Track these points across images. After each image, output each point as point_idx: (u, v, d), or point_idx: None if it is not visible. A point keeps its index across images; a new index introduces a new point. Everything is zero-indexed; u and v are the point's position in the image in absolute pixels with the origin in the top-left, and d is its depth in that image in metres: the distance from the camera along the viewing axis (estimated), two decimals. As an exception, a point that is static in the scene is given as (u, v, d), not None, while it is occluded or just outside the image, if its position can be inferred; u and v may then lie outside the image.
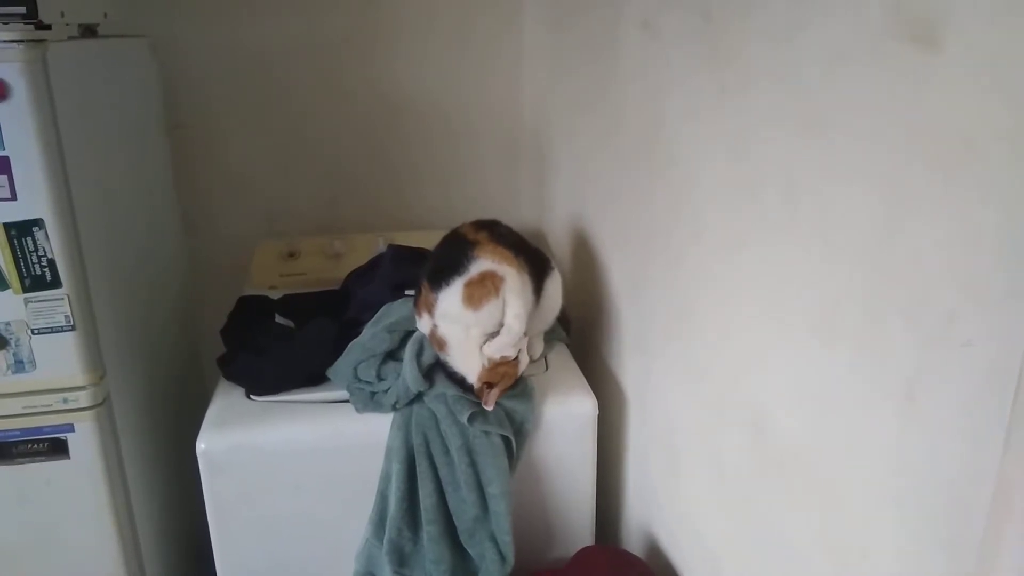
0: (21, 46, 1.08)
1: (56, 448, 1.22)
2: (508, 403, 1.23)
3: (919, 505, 0.64)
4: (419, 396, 1.23)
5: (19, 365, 1.18)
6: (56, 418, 1.21)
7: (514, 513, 1.21)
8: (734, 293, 0.94)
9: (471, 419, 1.20)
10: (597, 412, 1.29)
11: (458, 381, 1.23)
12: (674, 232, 1.11)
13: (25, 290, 1.15)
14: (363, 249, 1.74)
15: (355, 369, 1.27)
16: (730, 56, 0.90)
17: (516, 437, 1.23)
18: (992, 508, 0.55)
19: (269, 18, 1.83)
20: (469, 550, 1.23)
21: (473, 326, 1.19)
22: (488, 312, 1.18)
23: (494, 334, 1.20)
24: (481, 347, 1.20)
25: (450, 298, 1.20)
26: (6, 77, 1.07)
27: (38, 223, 1.13)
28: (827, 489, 0.77)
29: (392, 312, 1.34)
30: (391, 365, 1.27)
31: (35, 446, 1.21)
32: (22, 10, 1.14)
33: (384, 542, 1.21)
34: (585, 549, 1.25)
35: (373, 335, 1.29)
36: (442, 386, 1.22)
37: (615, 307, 1.42)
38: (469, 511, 1.21)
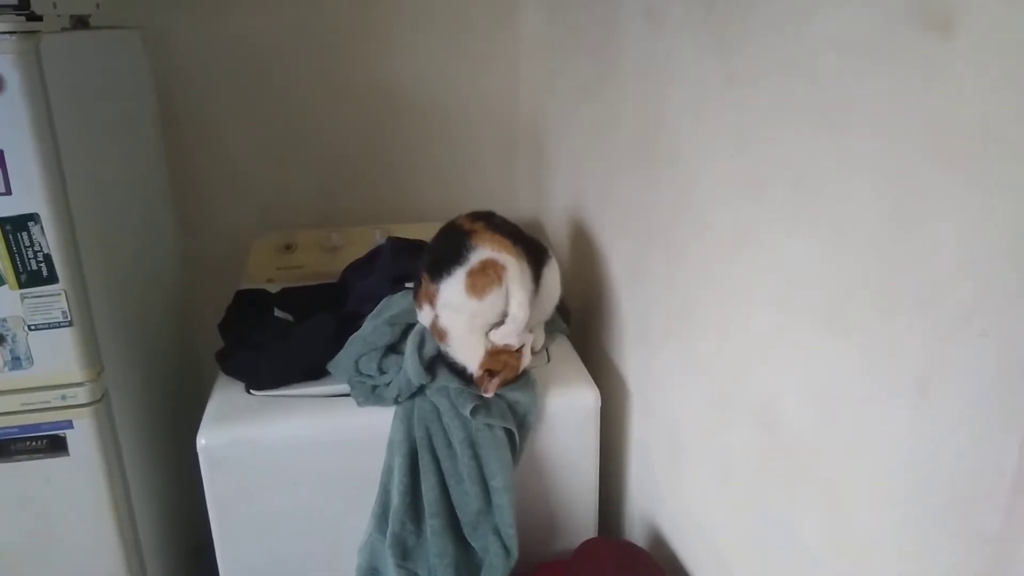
0: (14, 37, 1.06)
1: (55, 445, 1.21)
2: (511, 395, 1.23)
3: (932, 499, 0.63)
4: (421, 389, 1.23)
5: (16, 362, 1.17)
6: (54, 415, 1.20)
7: (517, 506, 1.21)
8: (739, 286, 0.93)
9: (474, 412, 1.19)
10: (600, 404, 1.29)
11: (459, 373, 1.22)
12: (677, 224, 1.10)
13: (21, 286, 1.13)
14: (360, 242, 1.73)
15: (356, 362, 1.26)
16: (736, 47, 0.89)
17: (519, 430, 1.23)
18: (1010, 502, 0.55)
19: (264, 10, 1.81)
20: (473, 543, 1.22)
21: (477, 315, 1.18)
22: (491, 301, 1.17)
23: (497, 324, 1.19)
24: (484, 337, 1.19)
25: (452, 288, 1.19)
26: (-1, 69, 1.05)
27: (33, 218, 1.11)
28: (836, 482, 0.76)
29: (392, 305, 1.33)
30: (392, 358, 1.26)
31: (34, 443, 1.20)
32: (13, 1, 1.12)
33: (387, 535, 1.21)
34: (589, 541, 1.24)
35: (374, 328, 1.28)
36: (444, 379, 1.22)
37: (615, 298, 1.41)
38: (472, 504, 1.20)
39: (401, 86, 1.91)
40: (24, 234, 1.11)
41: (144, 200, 1.60)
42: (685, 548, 1.19)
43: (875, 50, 0.66)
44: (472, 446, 1.20)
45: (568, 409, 1.28)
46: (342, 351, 1.29)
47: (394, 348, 1.28)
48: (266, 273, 1.68)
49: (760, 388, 0.90)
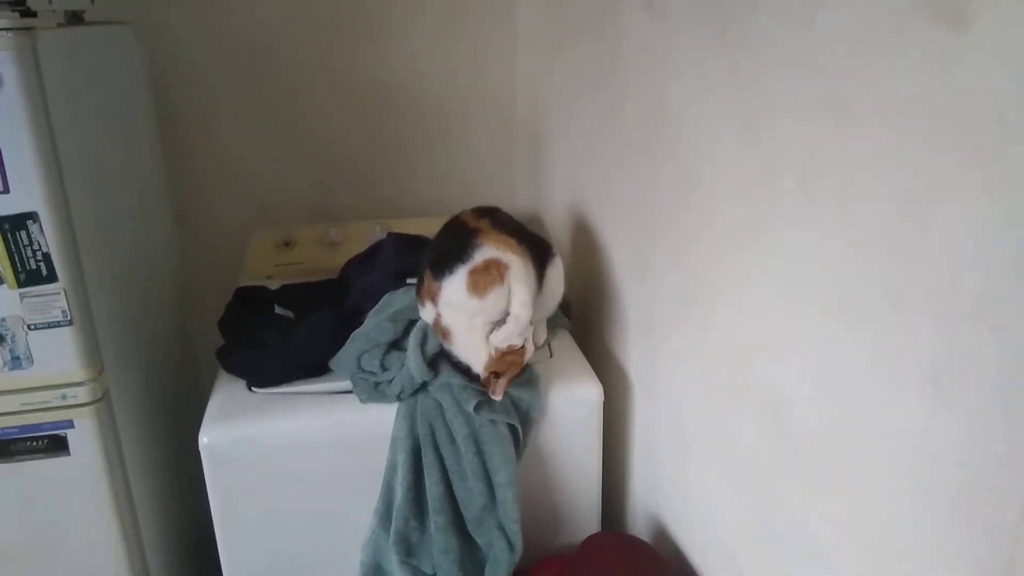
0: (10, 34, 1.05)
1: (56, 445, 1.20)
2: (514, 391, 1.23)
3: (945, 491, 0.63)
4: (424, 385, 1.22)
5: (16, 362, 1.16)
6: (55, 414, 1.19)
7: (520, 501, 1.21)
8: (747, 277, 0.93)
9: (477, 408, 1.19)
10: (603, 398, 1.29)
11: (463, 370, 1.22)
12: (681, 216, 1.10)
13: (20, 285, 1.13)
14: (359, 237, 1.72)
15: (358, 359, 1.25)
16: (742, 38, 0.89)
17: (522, 425, 1.23)
18: (1025, 493, 0.55)
19: (259, 3, 1.80)
20: (477, 539, 1.22)
21: (478, 314, 1.18)
22: (493, 300, 1.17)
23: (499, 322, 1.19)
24: (487, 336, 1.19)
25: (454, 286, 1.18)
26: (-4, 67, 1.04)
27: (32, 216, 1.10)
28: (847, 474, 0.76)
29: (395, 301, 1.33)
30: (395, 355, 1.25)
31: (34, 443, 1.19)
32: (10, -4, 1.11)
33: (391, 532, 1.21)
34: (593, 535, 1.24)
35: (376, 324, 1.28)
36: (447, 375, 1.21)
37: (617, 292, 1.41)
38: (476, 500, 1.20)
39: (398, 80, 1.90)
40: (23, 233, 1.10)
41: (141, 197, 1.59)
42: (690, 541, 1.19)
43: (885, 43, 0.65)
44: (476, 442, 1.20)
45: (571, 404, 1.28)
46: (344, 348, 1.28)
47: (397, 344, 1.27)
48: (265, 269, 1.68)
49: (769, 380, 0.90)
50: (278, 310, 1.47)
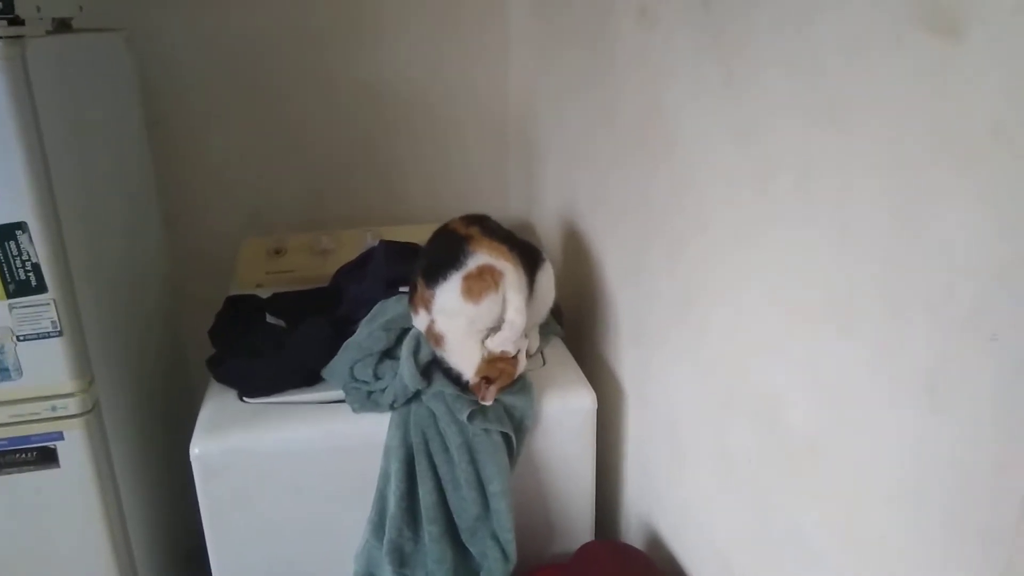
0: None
1: (45, 457, 1.19)
2: (507, 399, 1.22)
3: (941, 498, 0.64)
4: (417, 394, 1.22)
5: (4, 373, 1.14)
6: (45, 426, 1.18)
7: (514, 510, 1.20)
8: (742, 282, 0.93)
9: (471, 417, 1.18)
10: (596, 406, 1.29)
11: (455, 378, 1.21)
12: (676, 220, 1.10)
13: (9, 296, 1.11)
14: (350, 245, 1.72)
15: (351, 368, 1.25)
16: (735, 45, 0.89)
17: (516, 433, 1.22)
18: (1021, 502, 0.55)
19: (249, 9, 1.79)
20: (471, 549, 1.22)
21: (473, 320, 1.17)
22: (488, 306, 1.17)
23: (493, 329, 1.19)
24: (480, 342, 1.18)
25: (448, 293, 1.18)
26: (-16, 76, 1.03)
27: (21, 226, 1.09)
28: (842, 481, 0.76)
29: (387, 310, 1.32)
30: (388, 363, 1.25)
31: (24, 455, 1.18)
32: (-2, 5, 1.10)
33: (384, 542, 1.20)
34: (587, 544, 1.24)
35: (369, 333, 1.27)
36: (440, 384, 1.21)
37: (609, 298, 1.41)
38: (470, 510, 1.19)
39: (389, 86, 1.90)
40: (12, 243, 1.09)
41: (131, 205, 1.58)
42: (684, 549, 1.19)
43: (880, 51, 0.65)
44: (469, 451, 1.19)
45: (564, 412, 1.28)
46: (337, 357, 1.28)
47: (389, 353, 1.27)
48: (256, 278, 1.67)
49: (764, 386, 0.90)
50: (270, 319, 1.46)
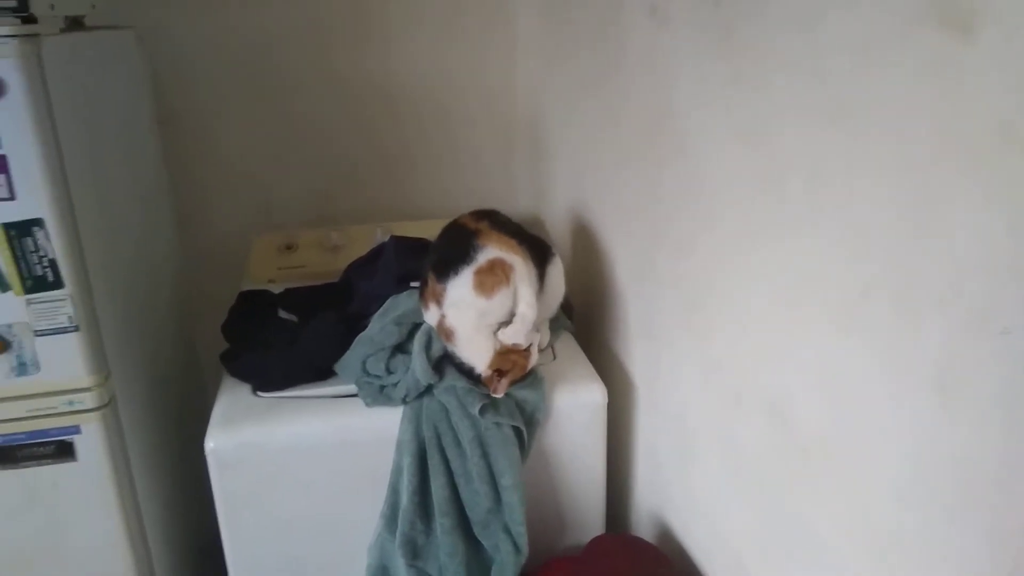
0: (15, 41, 1.05)
1: (62, 450, 1.20)
2: (519, 393, 1.23)
3: (951, 495, 0.64)
4: (429, 389, 1.23)
5: (22, 368, 1.16)
6: (62, 420, 1.19)
7: (526, 503, 1.21)
8: (751, 282, 0.94)
9: (482, 411, 1.19)
10: (607, 400, 1.29)
11: (466, 372, 1.22)
12: (685, 219, 1.11)
13: (27, 291, 1.13)
14: (361, 240, 1.73)
15: (363, 363, 1.26)
16: (745, 44, 0.89)
17: (527, 427, 1.23)
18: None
19: (258, 6, 1.80)
20: (483, 541, 1.23)
21: (485, 314, 1.18)
22: (500, 300, 1.18)
23: (504, 323, 1.20)
24: (492, 336, 1.19)
25: (460, 287, 1.19)
26: (0, 74, 1.04)
27: (38, 223, 1.10)
28: (853, 478, 0.77)
29: (399, 304, 1.33)
30: (400, 358, 1.26)
31: (41, 449, 1.20)
32: (12, 3, 1.10)
33: (396, 535, 1.21)
34: (598, 537, 1.25)
35: (381, 328, 1.28)
36: (452, 378, 1.22)
37: (620, 294, 1.42)
38: (482, 503, 1.21)
39: (399, 82, 1.91)
40: (29, 239, 1.10)
41: (144, 201, 1.59)
42: (695, 542, 1.19)
43: (891, 50, 0.66)
44: (481, 445, 1.20)
45: (575, 406, 1.29)
46: (349, 351, 1.29)
47: (401, 348, 1.28)
48: (267, 273, 1.68)
49: (774, 383, 0.91)
50: (282, 314, 1.47)
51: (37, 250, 1.11)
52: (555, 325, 1.43)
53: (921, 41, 0.62)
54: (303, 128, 1.91)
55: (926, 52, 0.62)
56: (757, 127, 0.89)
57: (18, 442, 1.18)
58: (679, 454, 1.22)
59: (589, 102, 1.50)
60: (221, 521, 1.23)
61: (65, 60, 1.18)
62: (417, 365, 1.21)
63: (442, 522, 1.20)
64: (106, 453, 1.22)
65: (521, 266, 1.21)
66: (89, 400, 1.19)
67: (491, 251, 1.20)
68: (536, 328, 1.24)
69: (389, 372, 1.25)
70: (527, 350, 1.21)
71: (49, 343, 1.15)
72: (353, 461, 1.24)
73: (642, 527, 1.41)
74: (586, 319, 1.57)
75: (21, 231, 1.10)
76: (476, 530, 1.22)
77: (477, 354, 1.21)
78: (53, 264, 1.12)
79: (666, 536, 1.29)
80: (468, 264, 1.20)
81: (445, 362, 1.24)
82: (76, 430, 1.20)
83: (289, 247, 1.75)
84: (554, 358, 1.37)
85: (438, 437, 1.21)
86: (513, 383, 1.22)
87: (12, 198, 1.08)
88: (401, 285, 1.38)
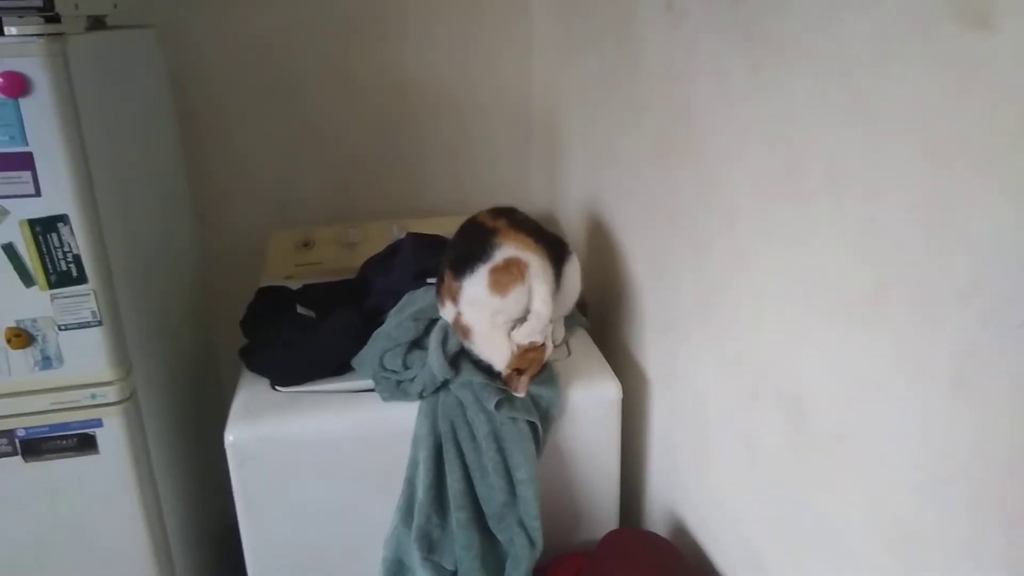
0: (41, 40, 1.07)
1: (85, 444, 1.22)
2: (534, 389, 1.24)
3: (968, 487, 0.65)
4: (445, 384, 1.24)
5: (46, 361, 1.18)
6: (84, 413, 1.21)
7: (540, 497, 1.22)
8: (769, 276, 0.94)
9: (498, 406, 1.20)
10: (621, 396, 1.30)
11: (484, 368, 1.23)
12: (703, 216, 1.11)
13: (51, 286, 1.15)
14: (377, 237, 1.74)
15: (381, 358, 1.27)
16: (764, 39, 0.90)
17: (542, 423, 1.24)
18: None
19: (275, 4, 1.82)
20: (498, 535, 1.24)
21: (499, 312, 1.19)
22: (514, 298, 1.19)
23: (519, 321, 1.21)
24: (507, 333, 1.20)
25: (475, 285, 1.20)
26: (28, 72, 1.06)
27: (63, 219, 1.12)
28: (870, 471, 0.77)
29: (416, 300, 1.34)
30: (417, 353, 1.27)
31: (64, 442, 1.22)
32: (37, 2, 1.12)
33: (412, 529, 1.22)
34: (613, 532, 1.26)
35: (398, 324, 1.29)
36: (468, 373, 1.23)
37: (635, 291, 1.42)
38: (497, 497, 1.21)
39: (415, 80, 1.92)
40: (54, 235, 1.12)
41: (163, 198, 1.61)
42: (711, 538, 1.20)
43: (910, 45, 0.66)
44: (497, 439, 1.21)
45: (590, 401, 1.30)
46: (366, 347, 1.30)
47: (418, 343, 1.29)
48: (285, 270, 1.70)
49: (791, 378, 0.91)
50: (300, 310, 1.48)
51: (61, 246, 1.13)
52: (570, 322, 1.43)
53: (939, 35, 0.63)
54: (320, 126, 1.93)
55: (944, 46, 0.62)
56: (776, 122, 0.89)
57: (41, 435, 1.20)
58: (695, 449, 1.23)
59: (605, 99, 1.50)
60: (239, 513, 1.24)
61: (89, 59, 1.20)
62: (434, 361, 1.22)
63: (457, 516, 1.21)
64: (127, 446, 1.24)
65: (537, 264, 1.22)
66: (111, 394, 1.21)
67: (508, 249, 1.21)
68: (551, 324, 1.25)
69: (406, 367, 1.26)
70: (542, 344, 1.22)
71: (72, 337, 1.17)
72: (370, 455, 1.25)
73: (656, 522, 1.41)
74: (600, 315, 1.58)
75: (46, 227, 1.12)
76: (491, 524, 1.23)
77: (494, 351, 1.22)
78: (77, 259, 1.14)
79: (680, 531, 1.29)
80: (485, 262, 1.21)
81: (462, 357, 1.25)
82: (98, 423, 1.22)
83: (306, 244, 1.77)
84: (569, 354, 1.38)
85: (454, 432, 1.22)
86: (532, 378, 1.22)
87: (38, 194, 1.10)
88: (418, 281, 1.40)
